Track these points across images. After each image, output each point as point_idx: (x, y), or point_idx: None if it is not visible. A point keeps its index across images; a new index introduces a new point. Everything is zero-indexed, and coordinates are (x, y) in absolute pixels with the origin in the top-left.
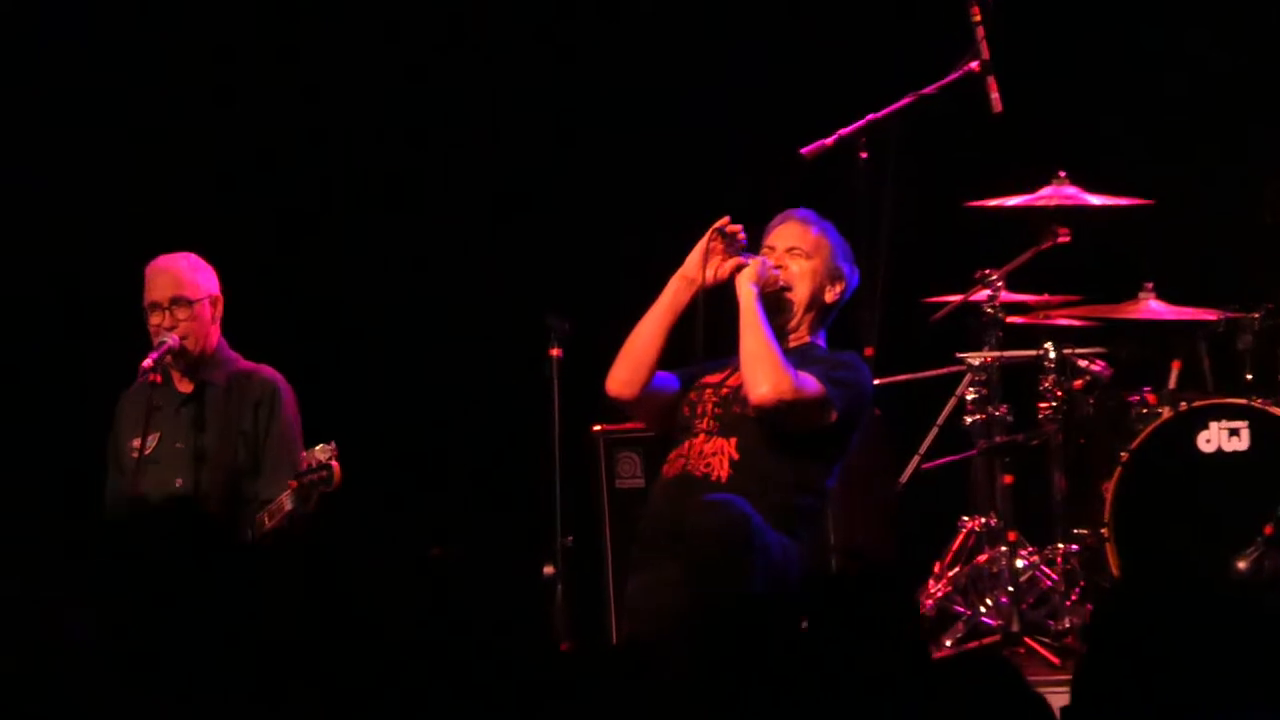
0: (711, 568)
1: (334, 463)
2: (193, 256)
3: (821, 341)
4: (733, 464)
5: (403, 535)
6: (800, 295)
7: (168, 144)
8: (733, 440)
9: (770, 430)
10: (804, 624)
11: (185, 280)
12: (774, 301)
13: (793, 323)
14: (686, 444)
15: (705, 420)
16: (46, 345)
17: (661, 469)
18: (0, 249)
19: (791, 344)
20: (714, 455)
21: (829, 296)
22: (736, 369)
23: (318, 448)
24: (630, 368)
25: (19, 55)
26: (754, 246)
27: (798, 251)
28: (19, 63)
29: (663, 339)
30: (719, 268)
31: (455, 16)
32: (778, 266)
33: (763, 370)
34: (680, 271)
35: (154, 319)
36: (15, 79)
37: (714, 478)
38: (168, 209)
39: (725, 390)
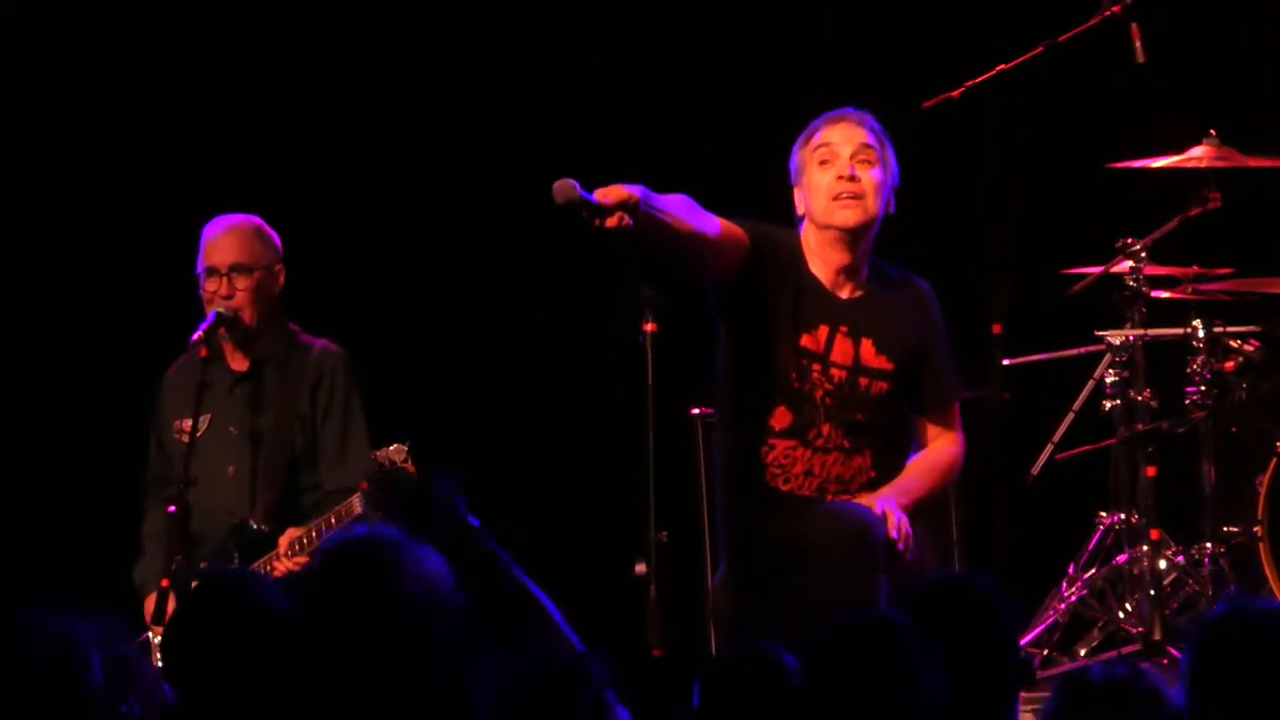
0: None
1: (409, 465)
2: (257, 219)
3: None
4: (871, 482)
5: (486, 528)
6: (874, 210)
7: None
8: (868, 455)
9: (889, 427)
10: None
11: (247, 246)
12: (850, 229)
13: (861, 248)
14: (809, 456)
15: (825, 427)
16: (75, 319)
17: (767, 461)
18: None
19: (860, 283)
20: (853, 478)
21: (890, 209)
22: (839, 333)
23: (391, 448)
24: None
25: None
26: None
27: (869, 156)
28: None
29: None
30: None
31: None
32: (850, 178)
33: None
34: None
35: (209, 285)
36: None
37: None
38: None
39: (838, 381)
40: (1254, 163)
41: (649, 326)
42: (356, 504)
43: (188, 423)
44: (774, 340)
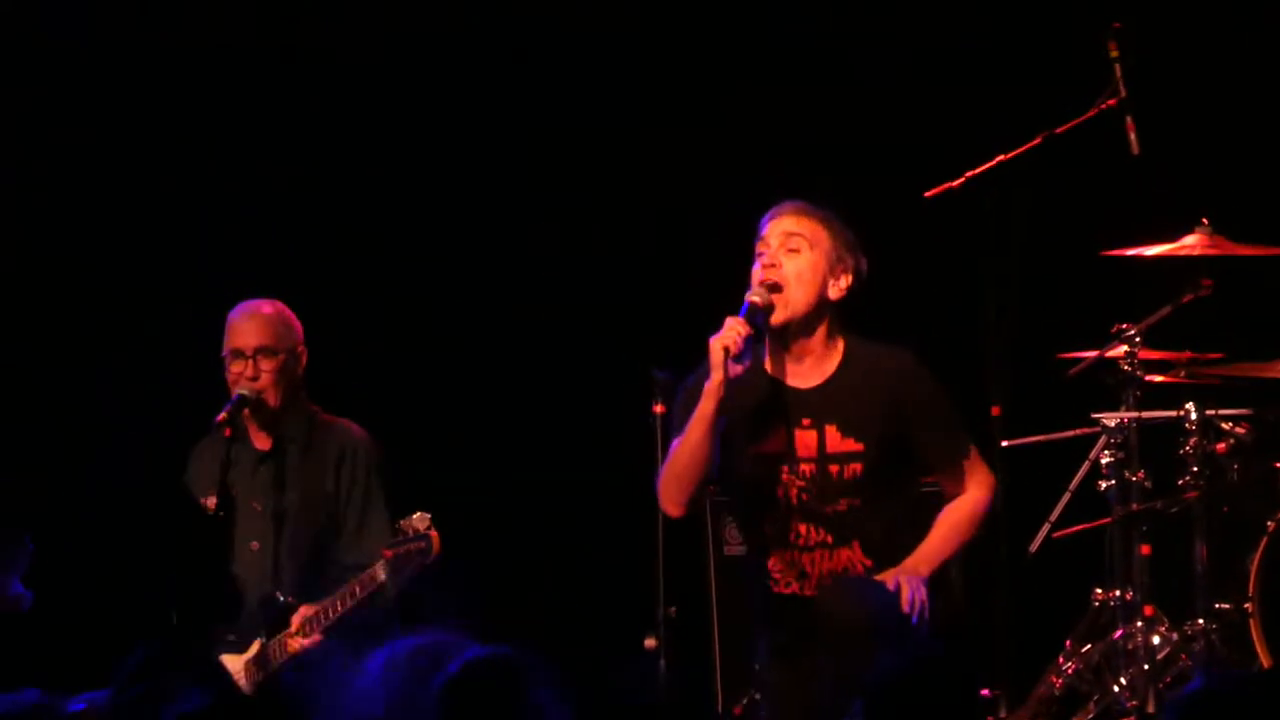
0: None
1: (432, 532)
2: (279, 303)
3: (842, 343)
4: (869, 570)
5: (497, 603)
6: (800, 297)
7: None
8: (855, 546)
9: (883, 506)
10: None
11: (272, 329)
12: (776, 326)
13: (806, 337)
14: (797, 557)
15: (801, 526)
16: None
17: (770, 569)
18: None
19: (826, 370)
20: (844, 571)
21: (834, 292)
22: (800, 426)
23: (415, 516)
24: (680, 488)
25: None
26: (746, 251)
27: (796, 240)
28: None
29: (706, 451)
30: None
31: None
32: (769, 265)
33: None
34: (707, 385)
35: (235, 367)
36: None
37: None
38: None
39: (808, 475)
40: (1244, 250)
41: (658, 408)
42: (380, 571)
43: (213, 500)
44: (744, 455)
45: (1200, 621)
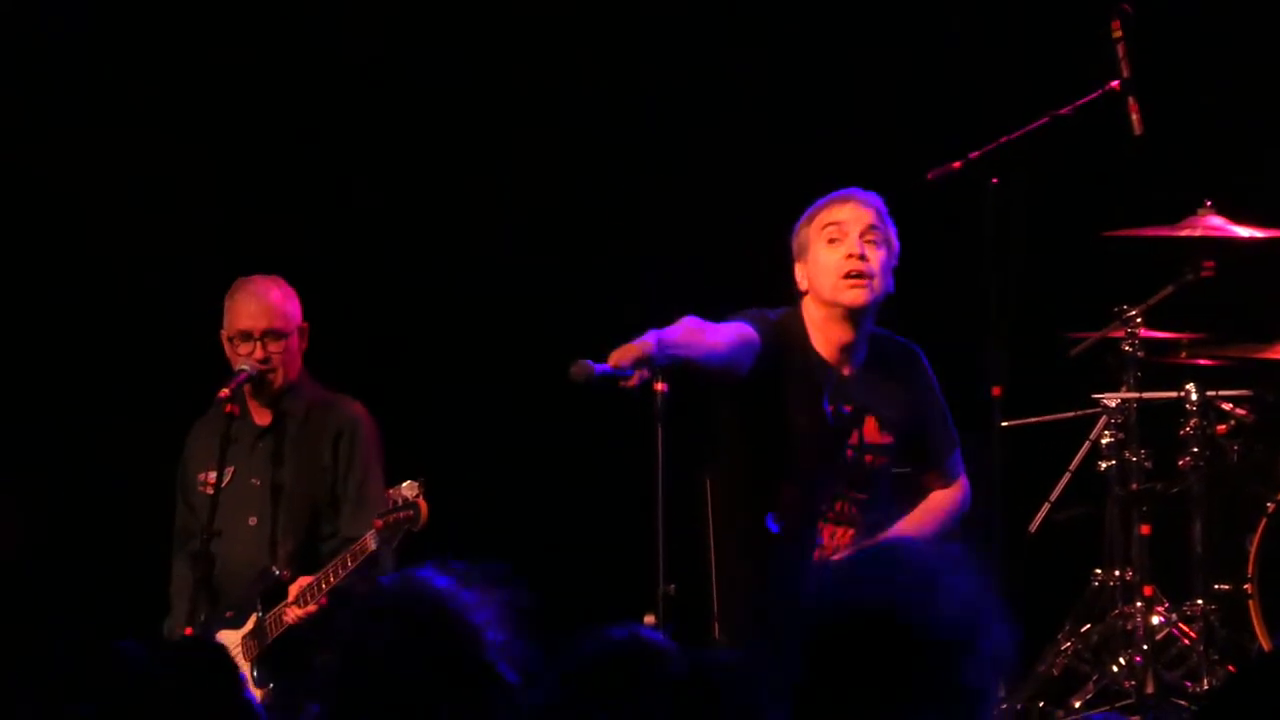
0: None
1: (420, 501)
2: (282, 281)
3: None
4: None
5: (495, 576)
6: (880, 289)
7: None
8: (863, 533)
9: (899, 498)
10: None
11: (279, 310)
12: (858, 308)
13: (861, 326)
14: (826, 530)
15: (839, 504)
16: (109, 367)
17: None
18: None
19: (859, 357)
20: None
21: (890, 288)
22: (849, 413)
23: (404, 485)
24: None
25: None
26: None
27: (876, 236)
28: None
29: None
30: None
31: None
32: (860, 256)
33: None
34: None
35: (243, 349)
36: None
37: None
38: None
39: (847, 459)
40: (1246, 232)
41: (659, 386)
42: (370, 541)
43: (212, 475)
44: (787, 422)
45: (1199, 602)
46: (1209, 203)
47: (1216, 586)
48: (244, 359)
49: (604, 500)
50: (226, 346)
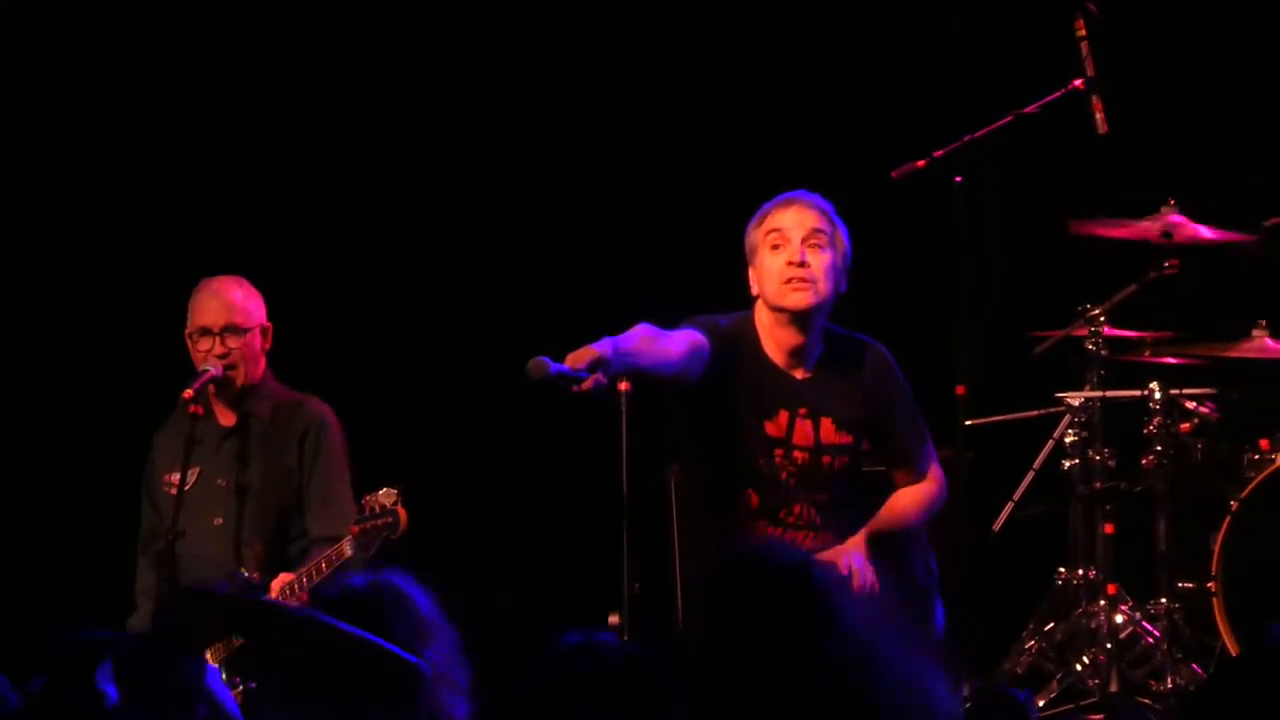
0: None
1: (399, 509)
2: (244, 281)
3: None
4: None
5: (461, 578)
6: (826, 292)
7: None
8: (833, 533)
9: (860, 498)
10: None
11: (239, 306)
12: (800, 311)
13: (810, 329)
14: (783, 535)
15: (796, 506)
16: (80, 370)
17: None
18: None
19: (813, 360)
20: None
21: (841, 289)
22: (799, 416)
23: (381, 492)
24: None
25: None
26: (734, 234)
27: (820, 240)
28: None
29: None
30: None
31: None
32: (800, 263)
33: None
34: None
35: (203, 345)
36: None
37: None
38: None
39: (801, 462)
40: (1209, 231)
41: (623, 385)
42: (346, 547)
43: (176, 476)
44: (739, 429)
45: (1163, 601)
46: (1172, 201)
47: (1180, 585)
48: (204, 356)
49: (568, 500)
50: (189, 345)
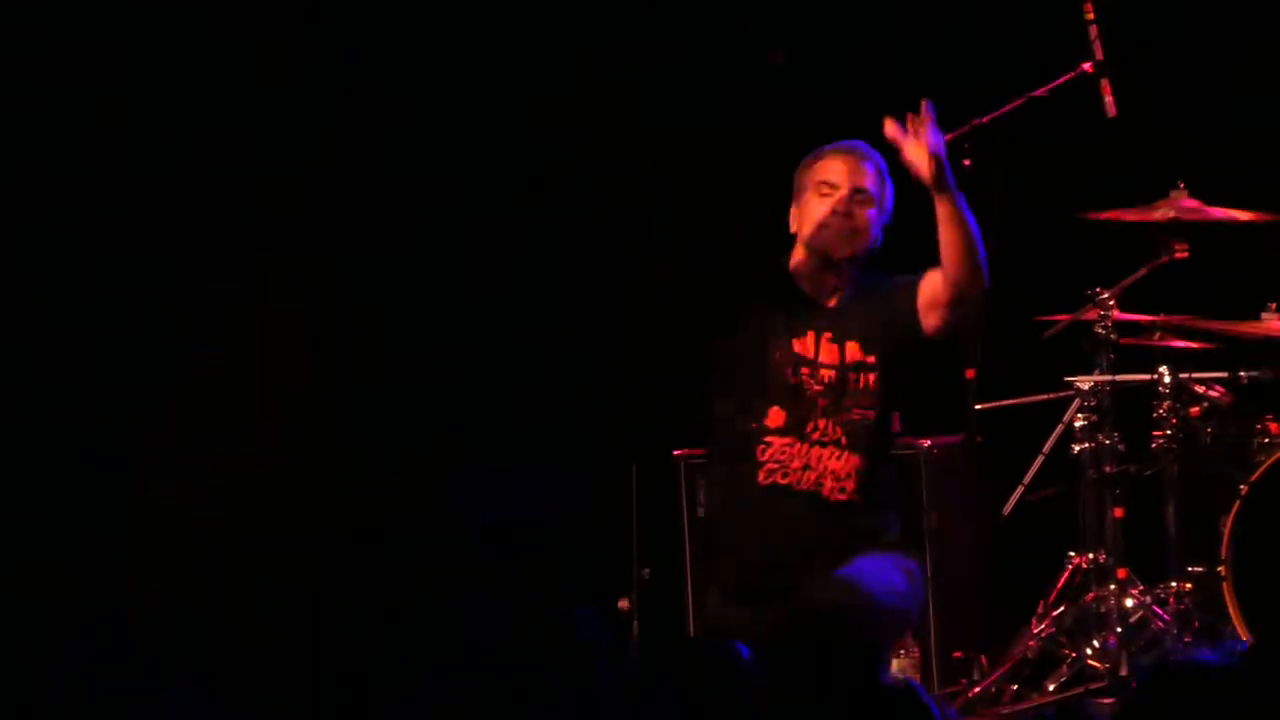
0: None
1: None
2: None
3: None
4: (863, 485)
5: (468, 562)
6: (862, 244)
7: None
8: (860, 456)
9: (886, 424)
10: None
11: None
12: (836, 259)
13: (844, 272)
14: (806, 450)
15: (822, 421)
16: None
17: (763, 459)
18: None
19: (843, 292)
20: (848, 476)
21: (878, 242)
22: (824, 338)
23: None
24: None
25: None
26: (784, 182)
27: (865, 199)
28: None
29: None
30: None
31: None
32: (845, 212)
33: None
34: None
35: None
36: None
37: (841, 496)
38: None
39: (828, 380)
40: (1218, 214)
41: None
42: None
43: None
44: (768, 345)
45: (1173, 584)
46: (1182, 184)
47: (1190, 569)
48: None
49: (579, 486)
50: None
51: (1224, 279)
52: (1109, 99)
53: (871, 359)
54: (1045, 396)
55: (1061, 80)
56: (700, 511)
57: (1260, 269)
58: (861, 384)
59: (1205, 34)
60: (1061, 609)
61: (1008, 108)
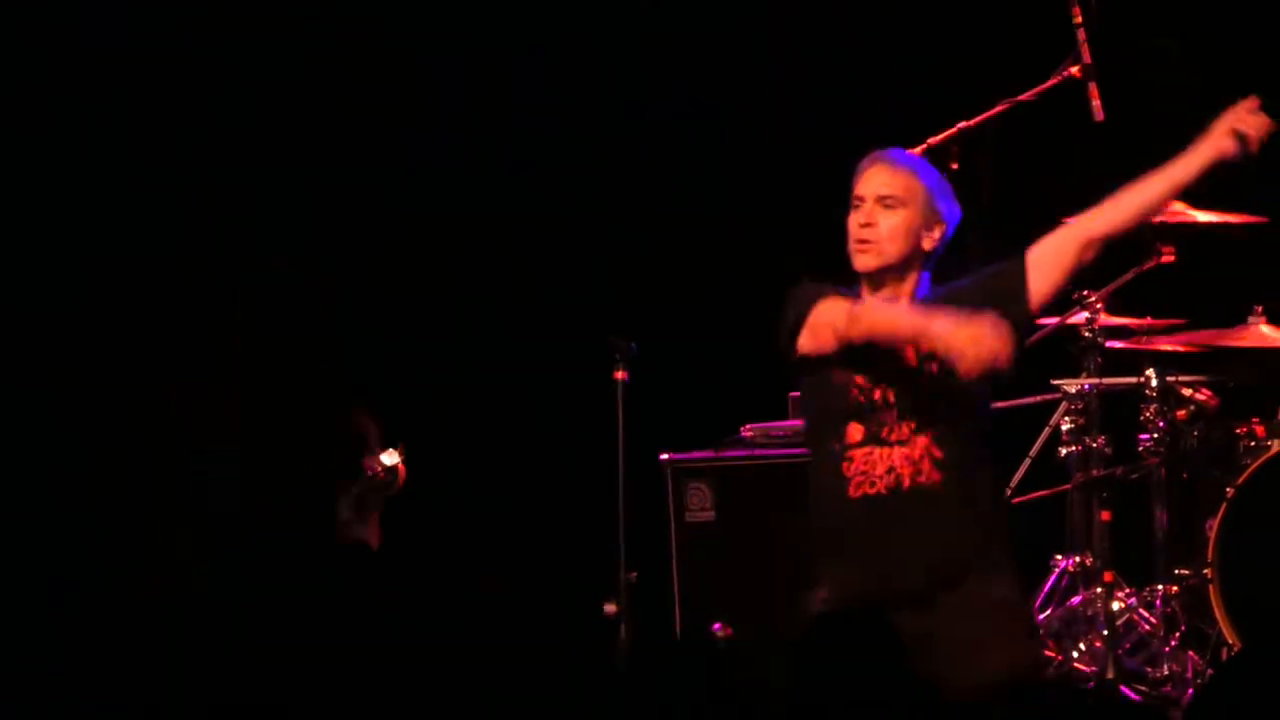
0: None
1: (401, 465)
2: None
3: (925, 289)
4: (937, 462)
5: (459, 567)
6: (892, 250)
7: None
8: (928, 435)
9: (956, 414)
10: None
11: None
12: (868, 273)
13: (899, 283)
14: (888, 453)
15: (894, 423)
16: None
17: (849, 474)
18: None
19: (919, 297)
20: (921, 457)
21: (928, 244)
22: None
23: (383, 453)
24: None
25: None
26: (842, 198)
27: (889, 201)
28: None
29: None
30: None
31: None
32: (866, 224)
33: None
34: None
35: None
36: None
37: (920, 480)
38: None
39: (894, 381)
40: (1205, 217)
41: (619, 374)
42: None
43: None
44: (830, 371)
45: (1160, 587)
46: None
47: (1177, 572)
48: None
49: (566, 491)
50: None
51: (1211, 283)
52: (1096, 103)
53: (935, 365)
54: (1032, 399)
55: (1049, 84)
56: (687, 517)
57: (1246, 272)
58: (925, 372)
59: (1193, 37)
60: (1049, 612)
61: (995, 111)
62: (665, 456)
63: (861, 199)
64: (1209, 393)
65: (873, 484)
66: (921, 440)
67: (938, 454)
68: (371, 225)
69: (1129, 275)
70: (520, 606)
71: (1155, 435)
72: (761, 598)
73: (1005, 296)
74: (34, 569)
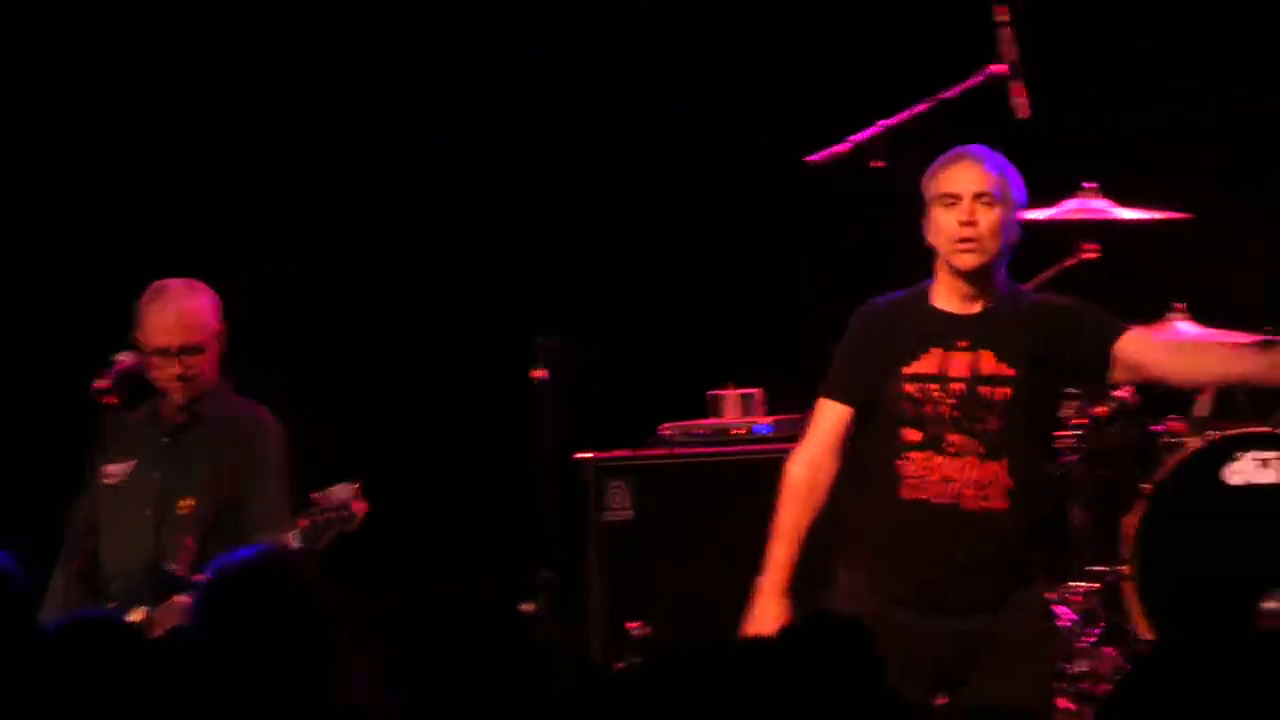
0: None
1: (357, 502)
2: (199, 287)
3: (1006, 281)
4: (1010, 495)
5: (376, 565)
6: (994, 247)
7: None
8: (1004, 463)
9: (1032, 433)
10: None
11: (198, 323)
12: (970, 270)
13: (989, 279)
14: (944, 463)
15: (955, 436)
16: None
17: (905, 475)
18: None
19: (988, 301)
20: (990, 483)
21: (1013, 238)
22: (957, 348)
23: (337, 487)
24: None
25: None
26: (912, 195)
27: (986, 198)
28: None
29: None
30: None
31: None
32: (968, 221)
33: None
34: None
35: (162, 367)
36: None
37: (991, 509)
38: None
39: (958, 393)
40: (1126, 214)
41: (538, 373)
42: (292, 540)
43: (115, 467)
44: (889, 374)
45: (1080, 584)
46: (1090, 185)
47: (1095, 568)
48: (168, 379)
49: (483, 488)
50: (139, 353)
51: (1132, 280)
52: (1021, 100)
53: (1011, 371)
54: None
55: (973, 81)
56: (606, 516)
57: (1168, 270)
58: (997, 396)
59: (1116, 35)
60: None
61: (917, 109)
62: (584, 455)
63: (957, 196)
64: (1130, 390)
65: (925, 490)
66: (993, 466)
67: (1010, 483)
68: (371, 225)
69: (1051, 271)
70: (437, 605)
71: (1076, 433)
72: (680, 596)
73: (1081, 344)
74: (34, 569)
